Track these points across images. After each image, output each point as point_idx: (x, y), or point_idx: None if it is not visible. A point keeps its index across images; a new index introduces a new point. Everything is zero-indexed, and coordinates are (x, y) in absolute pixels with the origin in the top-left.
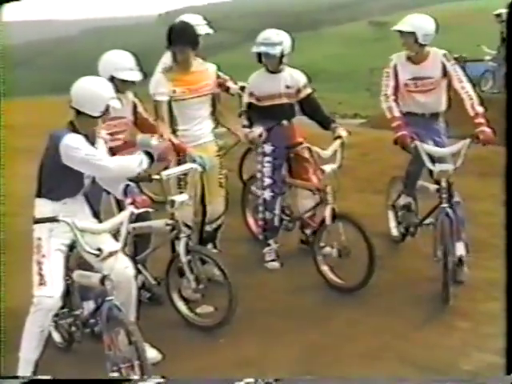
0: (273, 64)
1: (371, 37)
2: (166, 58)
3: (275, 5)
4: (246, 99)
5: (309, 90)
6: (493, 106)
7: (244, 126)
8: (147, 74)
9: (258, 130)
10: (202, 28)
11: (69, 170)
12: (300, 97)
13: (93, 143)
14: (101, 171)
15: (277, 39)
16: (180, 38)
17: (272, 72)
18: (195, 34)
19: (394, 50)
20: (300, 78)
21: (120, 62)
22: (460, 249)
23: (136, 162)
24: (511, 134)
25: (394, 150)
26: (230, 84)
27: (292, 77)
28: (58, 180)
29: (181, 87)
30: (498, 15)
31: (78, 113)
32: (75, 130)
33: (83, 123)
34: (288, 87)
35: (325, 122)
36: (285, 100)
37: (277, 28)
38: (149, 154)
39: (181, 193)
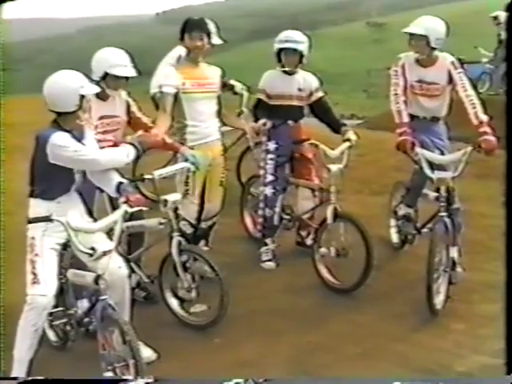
0: (292, 62)
1: (369, 38)
2: (175, 52)
3: (272, 5)
4: (257, 95)
5: (320, 94)
6: (490, 108)
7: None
8: (142, 72)
9: (261, 120)
10: (214, 38)
11: (58, 167)
12: (311, 100)
13: (80, 137)
14: (91, 165)
15: (299, 38)
16: (197, 24)
17: (287, 73)
18: (208, 27)
19: (391, 51)
20: (312, 82)
21: (114, 58)
22: (453, 252)
23: (124, 154)
24: (511, 137)
25: (390, 152)
26: (234, 82)
27: (305, 80)
28: (50, 180)
29: (190, 80)
30: (495, 17)
31: (58, 112)
32: (60, 128)
33: (66, 120)
34: (300, 90)
35: (335, 125)
36: (295, 102)
37: (274, 28)
38: (135, 146)
39: (187, 191)
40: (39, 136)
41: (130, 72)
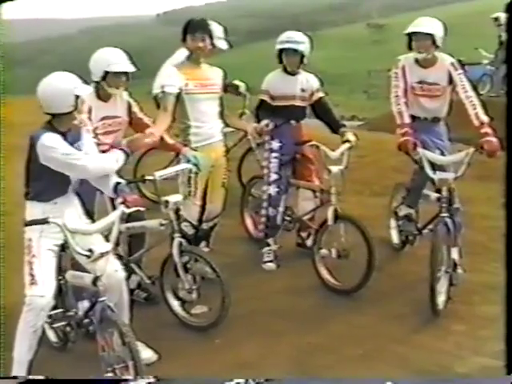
0: (294, 63)
1: (369, 39)
2: (179, 54)
3: (273, 6)
4: (260, 96)
5: (321, 94)
6: (490, 110)
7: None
8: (143, 73)
9: (264, 121)
10: (221, 43)
11: (52, 169)
12: (312, 100)
13: (77, 139)
14: (79, 171)
15: (300, 38)
16: (199, 25)
17: (289, 73)
18: (210, 28)
19: (391, 52)
20: (314, 82)
21: (111, 57)
22: (454, 253)
23: (113, 160)
24: (511, 138)
25: (391, 153)
26: (238, 82)
27: (308, 81)
28: (44, 181)
29: (193, 81)
30: (496, 19)
31: (53, 114)
32: (54, 129)
33: (61, 122)
34: (303, 90)
35: (334, 126)
36: (298, 102)
37: (275, 29)
38: (124, 151)
39: (189, 192)
40: (32, 137)
41: (129, 67)
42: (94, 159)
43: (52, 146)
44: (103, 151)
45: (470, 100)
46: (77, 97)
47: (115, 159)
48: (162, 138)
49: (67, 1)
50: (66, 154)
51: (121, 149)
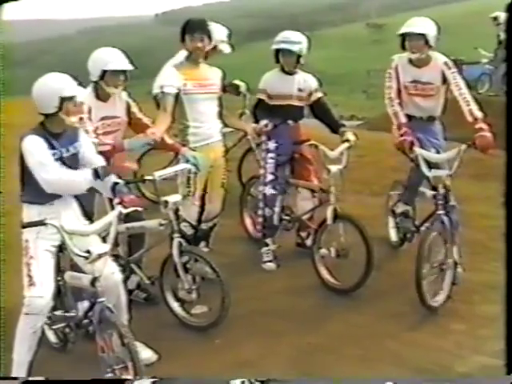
0: (290, 63)
1: (368, 39)
2: (181, 55)
3: (272, 6)
4: (257, 95)
5: (319, 94)
6: (489, 109)
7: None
8: (141, 73)
9: (263, 121)
10: (224, 46)
11: None
12: (311, 100)
13: (74, 140)
14: (42, 183)
15: (296, 39)
16: (198, 25)
17: (287, 73)
18: (209, 28)
19: (390, 51)
20: (312, 82)
21: (109, 56)
22: (453, 251)
23: (81, 179)
24: (511, 137)
25: (390, 152)
26: (238, 82)
27: (305, 81)
28: (38, 183)
29: (191, 81)
30: (495, 18)
31: (46, 114)
32: (45, 130)
33: (53, 122)
34: (300, 90)
35: (334, 126)
36: (295, 102)
37: (274, 29)
38: (95, 171)
39: (188, 192)
40: (20, 137)
41: (127, 66)
42: (61, 176)
43: (30, 149)
44: (103, 151)
45: (463, 97)
46: (63, 98)
47: (82, 178)
48: (161, 138)
49: (67, 1)
50: (38, 162)
51: (94, 168)
